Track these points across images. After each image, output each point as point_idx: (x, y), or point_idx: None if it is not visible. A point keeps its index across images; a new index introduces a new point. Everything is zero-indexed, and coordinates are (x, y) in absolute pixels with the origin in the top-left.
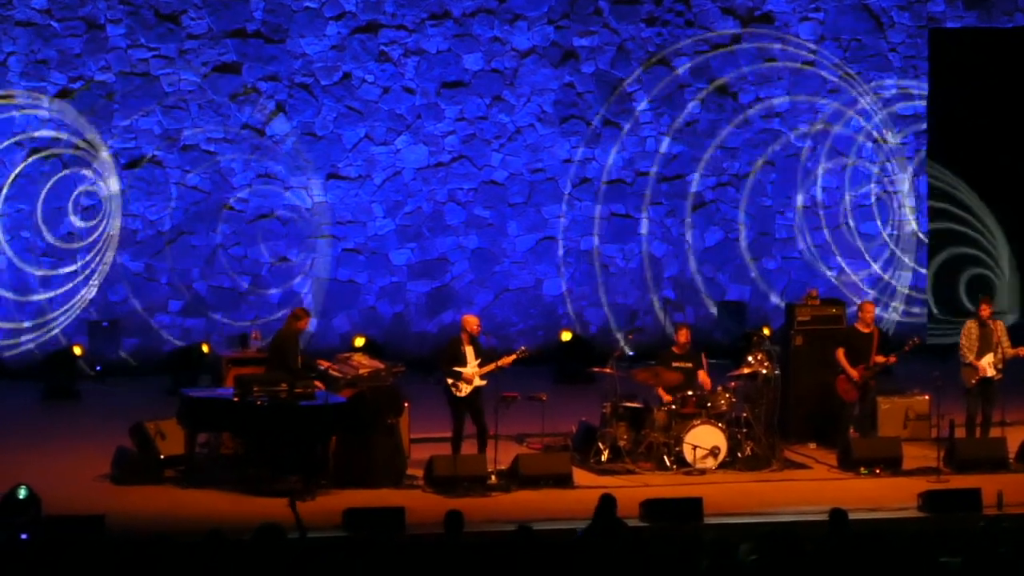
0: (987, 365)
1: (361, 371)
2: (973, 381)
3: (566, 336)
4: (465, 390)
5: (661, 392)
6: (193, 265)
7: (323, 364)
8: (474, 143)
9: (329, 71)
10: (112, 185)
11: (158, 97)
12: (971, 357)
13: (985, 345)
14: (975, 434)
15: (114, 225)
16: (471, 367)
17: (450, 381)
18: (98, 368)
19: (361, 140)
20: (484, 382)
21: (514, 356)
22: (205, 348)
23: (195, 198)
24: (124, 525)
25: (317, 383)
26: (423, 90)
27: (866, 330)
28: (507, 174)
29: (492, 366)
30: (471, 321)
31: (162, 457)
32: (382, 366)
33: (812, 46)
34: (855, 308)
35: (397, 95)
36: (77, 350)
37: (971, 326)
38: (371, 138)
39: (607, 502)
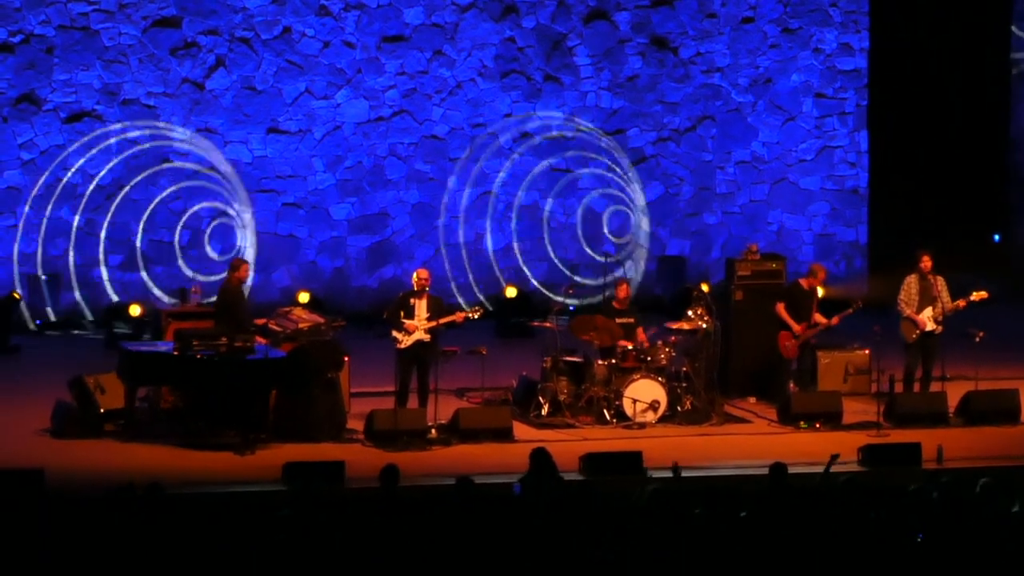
0: (927, 319)
1: (301, 325)
2: (913, 336)
3: (511, 292)
4: (406, 342)
5: (621, 343)
6: (132, 219)
7: (260, 321)
8: (415, 97)
9: (269, 25)
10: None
11: (98, 52)
12: (909, 311)
13: (925, 299)
14: (914, 388)
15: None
16: (417, 320)
17: (394, 333)
18: (38, 323)
19: (301, 95)
20: (427, 337)
21: (465, 314)
22: (135, 311)
23: (135, 152)
24: (63, 479)
25: (259, 338)
26: (363, 44)
27: (808, 287)
28: (448, 129)
29: (436, 322)
30: (417, 275)
31: (102, 411)
32: (322, 320)
33: (753, 1)
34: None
35: (337, 49)
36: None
37: (911, 280)
38: (311, 92)
39: (540, 455)
